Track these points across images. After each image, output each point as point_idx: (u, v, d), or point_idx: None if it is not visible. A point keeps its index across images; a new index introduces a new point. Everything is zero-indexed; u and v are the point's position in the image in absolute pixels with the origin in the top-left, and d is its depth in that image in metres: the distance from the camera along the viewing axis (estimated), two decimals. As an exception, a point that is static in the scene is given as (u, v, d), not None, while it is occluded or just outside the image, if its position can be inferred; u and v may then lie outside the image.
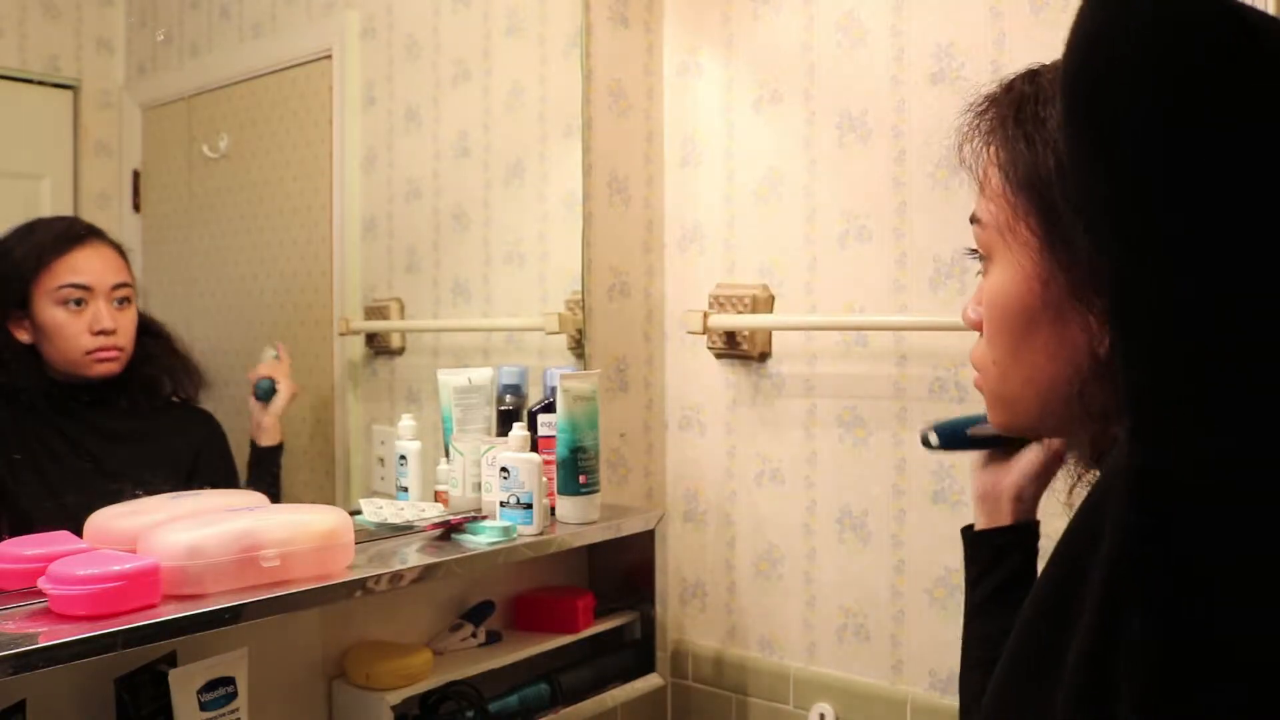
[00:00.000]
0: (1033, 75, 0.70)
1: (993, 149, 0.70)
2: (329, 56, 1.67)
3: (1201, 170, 0.51)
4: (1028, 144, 0.67)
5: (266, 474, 1.52)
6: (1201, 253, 0.51)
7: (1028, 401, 0.69)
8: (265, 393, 1.53)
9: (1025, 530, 0.95)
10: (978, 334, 0.75)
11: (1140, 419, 0.54)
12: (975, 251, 0.73)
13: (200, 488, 1.40)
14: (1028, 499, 0.94)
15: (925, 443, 1.01)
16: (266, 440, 1.52)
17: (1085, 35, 0.54)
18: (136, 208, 1.45)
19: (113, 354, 1.36)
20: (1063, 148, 0.62)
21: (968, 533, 0.98)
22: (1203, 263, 0.51)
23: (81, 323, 1.33)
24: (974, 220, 0.72)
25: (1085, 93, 0.54)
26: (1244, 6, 0.52)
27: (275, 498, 1.52)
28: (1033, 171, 0.67)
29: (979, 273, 0.74)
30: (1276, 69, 0.51)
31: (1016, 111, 0.68)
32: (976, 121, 0.72)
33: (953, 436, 0.99)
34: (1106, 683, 0.59)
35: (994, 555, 0.95)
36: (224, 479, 1.47)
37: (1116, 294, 0.55)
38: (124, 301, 1.37)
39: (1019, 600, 0.94)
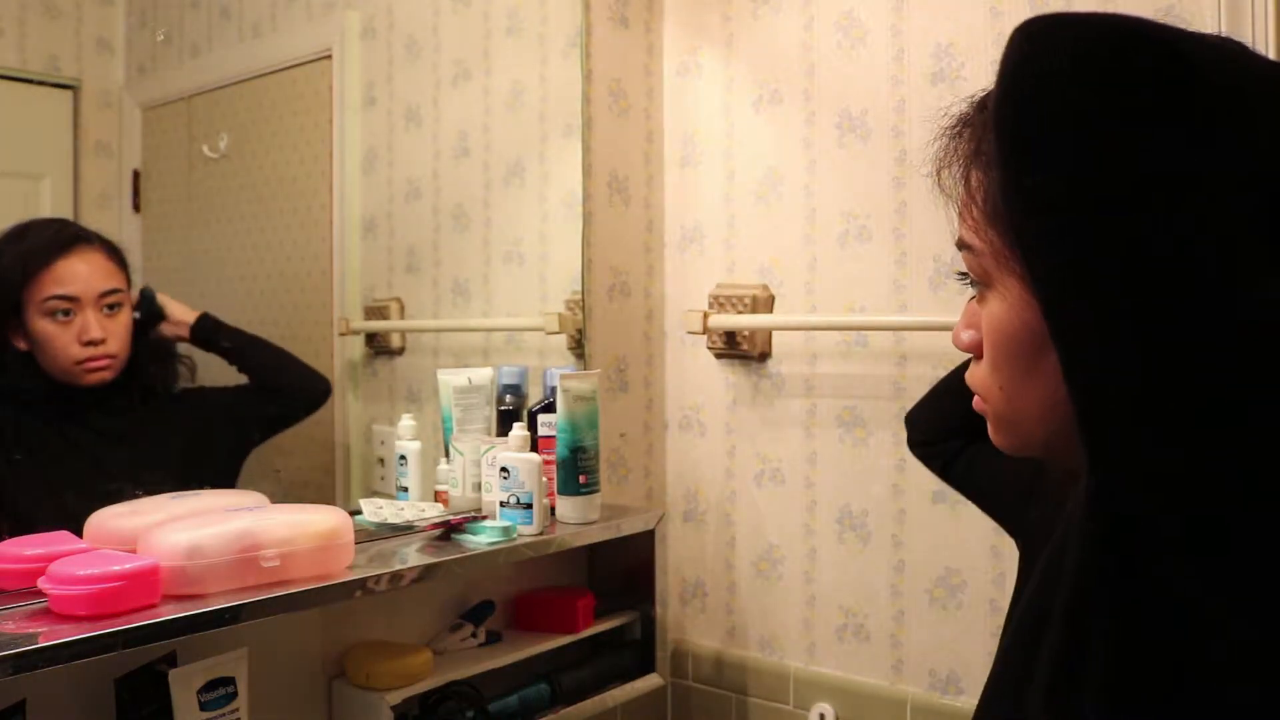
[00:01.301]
0: None
1: (972, 176, 0.68)
2: (329, 56, 1.67)
3: (1122, 191, 0.51)
4: None
5: (218, 342, 1.48)
6: (1126, 269, 0.51)
7: (1034, 423, 0.68)
8: (150, 303, 1.43)
9: None
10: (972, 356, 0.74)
11: (1089, 434, 0.55)
12: (966, 275, 0.72)
13: (202, 486, 1.40)
14: None
15: None
16: (190, 317, 1.46)
17: (1012, 67, 0.55)
18: (136, 208, 1.45)
19: (103, 363, 1.34)
20: (996, 174, 0.62)
21: None
22: (1130, 278, 0.51)
23: (70, 333, 1.32)
24: (962, 246, 0.71)
25: (1011, 122, 0.55)
26: (1171, 33, 0.53)
27: (251, 348, 1.51)
28: None
29: (972, 297, 0.72)
30: (1205, 94, 0.52)
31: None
32: (953, 145, 0.70)
33: None
34: (1073, 685, 0.60)
35: None
36: (238, 440, 1.48)
37: (1052, 315, 0.55)
38: (115, 307, 1.36)
39: None
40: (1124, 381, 0.52)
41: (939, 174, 0.71)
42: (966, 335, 0.72)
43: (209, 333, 1.48)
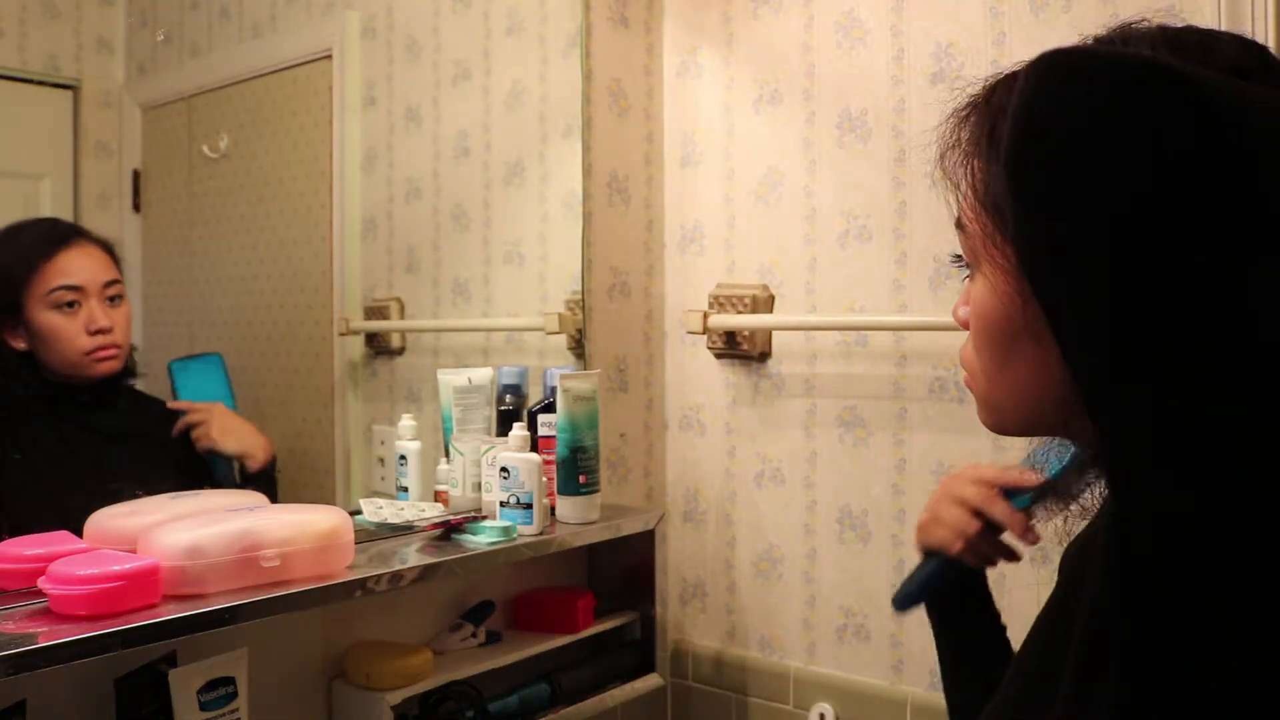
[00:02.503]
0: (1012, 84, 0.67)
1: (972, 164, 0.69)
2: (329, 56, 1.67)
3: (1148, 228, 0.51)
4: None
5: (262, 479, 1.50)
6: (1148, 308, 0.51)
7: (1015, 409, 0.70)
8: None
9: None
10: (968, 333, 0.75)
11: (1113, 470, 0.55)
12: (960, 258, 0.73)
13: (202, 486, 1.40)
14: None
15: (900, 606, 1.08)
16: (263, 456, 1.49)
17: (1027, 105, 0.55)
18: (136, 208, 1.45)
19: (112, 352, 1.35)
20: (1010, 214, 0.62)
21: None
22: (1151, 319, 0.51)
23: (77, 324, 1.32)
24: (959, 226, 0.72)
25: (1026, 161, 0.55)
26: (1195, 72, 0.52)
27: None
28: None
29: (966, 277, 0.73)
30: (1232, 136, 0.51)
31: (992, 129, 0.67)
32: (959, 129, 0.70)
33: (915, 596, 1.08)
34: (1093, 686, 0.60)
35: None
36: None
37: (1074, 355, 0.56)
38: (116, 299, 1.37)
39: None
40: (1136, 417, 0.53)
41: (943, 156, 0.72)
42: (963, 311, 0.74)
43: (268, 473, 1.49)
